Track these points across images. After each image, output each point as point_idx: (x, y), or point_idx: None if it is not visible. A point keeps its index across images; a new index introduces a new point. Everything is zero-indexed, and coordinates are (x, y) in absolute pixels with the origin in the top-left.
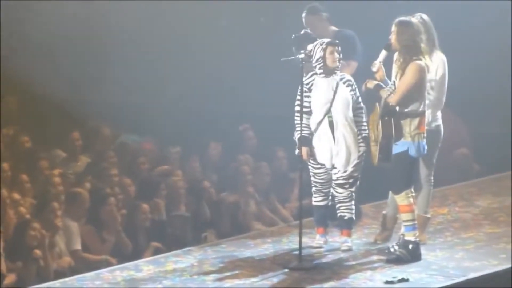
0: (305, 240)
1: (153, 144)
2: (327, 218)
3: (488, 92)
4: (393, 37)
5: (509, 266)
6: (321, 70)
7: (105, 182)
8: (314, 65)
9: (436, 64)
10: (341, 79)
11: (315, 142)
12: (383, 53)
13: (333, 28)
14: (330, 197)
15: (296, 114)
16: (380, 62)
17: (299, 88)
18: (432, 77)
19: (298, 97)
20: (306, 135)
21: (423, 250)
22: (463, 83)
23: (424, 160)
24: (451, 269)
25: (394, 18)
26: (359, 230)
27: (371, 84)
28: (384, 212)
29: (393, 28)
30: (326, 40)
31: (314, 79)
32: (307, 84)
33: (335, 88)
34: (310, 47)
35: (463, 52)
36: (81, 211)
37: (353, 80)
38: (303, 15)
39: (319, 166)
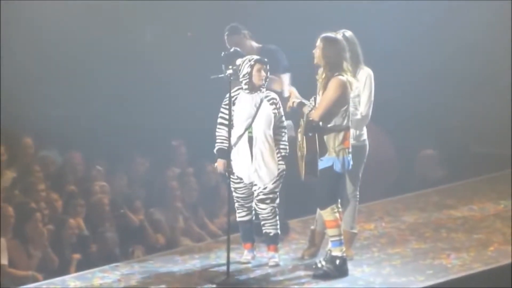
0: (233, 255)
1: (79, 159)
2: (253, 233)
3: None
4: (317, 52)
5: (434, 282)
6: (246, 86)
7: (32, 196)
8: (240, 80)
9: (363, 80)
10: (265, 97)
11: (234, 156)
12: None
13: (256, 44)
14: (253, 212)
15: (218, 126)
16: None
17: (224, 101)
18: (359, 93)
19: (222, 110)
20: (224, 147)
21: (350, 266)
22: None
23: (350, 176)
24: (378, 284)
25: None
26: (287, 246)
27: (294, 102)
28: (312, 227)
29: (318, 43)
30: (256, 57)
31: (239, 93)
32: (231, 97)
33: (258, 104)
34: (239, 61)
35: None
36: (5, 226)
37: (278, 99)
38: (225, 36)
39: (238, 180)
